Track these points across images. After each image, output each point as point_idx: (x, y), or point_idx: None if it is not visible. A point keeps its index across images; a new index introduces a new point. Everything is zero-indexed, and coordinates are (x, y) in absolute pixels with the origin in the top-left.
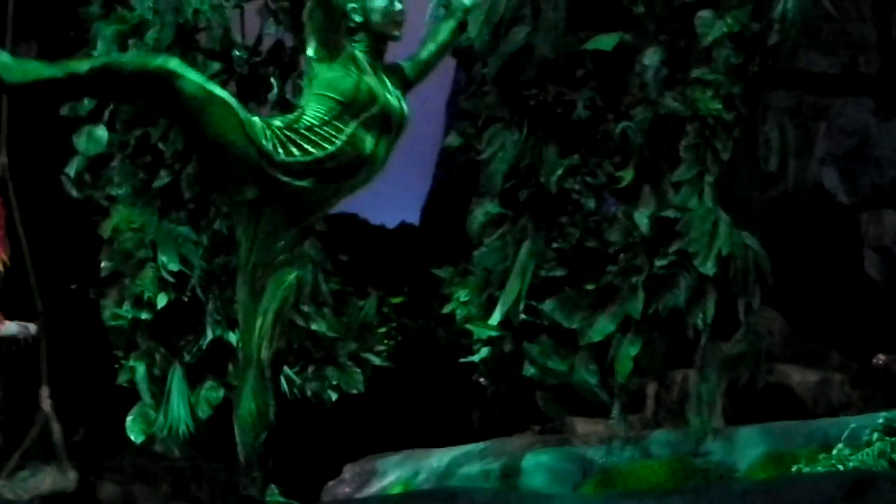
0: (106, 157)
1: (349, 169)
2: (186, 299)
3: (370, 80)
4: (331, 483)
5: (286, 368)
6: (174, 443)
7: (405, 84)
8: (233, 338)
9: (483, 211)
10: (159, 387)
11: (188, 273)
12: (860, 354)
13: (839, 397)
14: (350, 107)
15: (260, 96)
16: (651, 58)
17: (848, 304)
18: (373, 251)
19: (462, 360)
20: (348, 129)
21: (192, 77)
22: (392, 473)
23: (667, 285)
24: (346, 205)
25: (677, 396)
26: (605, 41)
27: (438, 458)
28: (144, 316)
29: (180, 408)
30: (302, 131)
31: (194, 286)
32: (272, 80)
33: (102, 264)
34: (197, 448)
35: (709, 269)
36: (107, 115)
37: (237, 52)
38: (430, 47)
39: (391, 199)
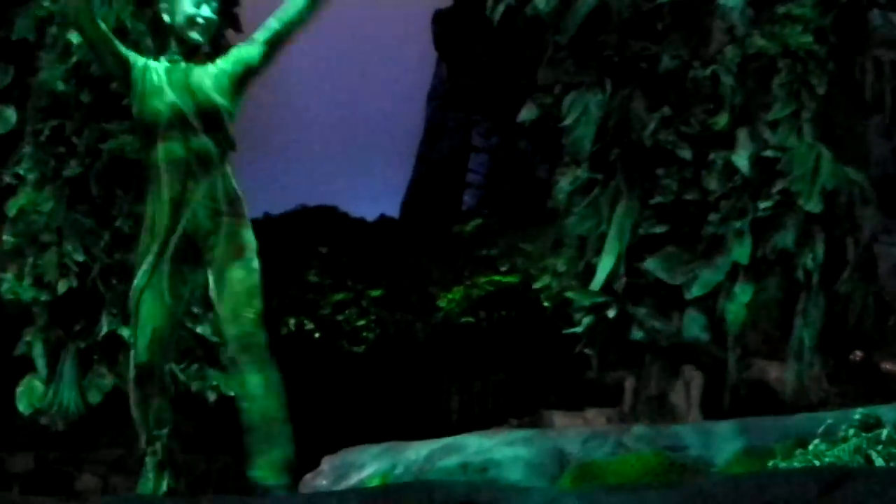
0: (15, 135)
1: None
2: (86, 289)
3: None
4: (308, 475)
5: (173, 365)
6: (61, 419)
7: (248, 70)
8: (125, 332)
9: (569, 180)
10: (52, 365)
11: (90, 264)
12: (837, 351)
13: (816, 393)
14: None
15: None
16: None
17: None
18: (352, 244)
19: (565, 331)
20: None
21: None
22: (370, 466)
23: (773, 227)
24: (325, 197)
25: (655, 391)
26: None
27: (416, 451)
28: (44, 297)
29: (71, 389)
30: None
31: (95, 278)
32: None
33: (4, 237)
34: (85, 429)
35: (814, 206)
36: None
37: None
38: (274, 25)
39: (371, 193)
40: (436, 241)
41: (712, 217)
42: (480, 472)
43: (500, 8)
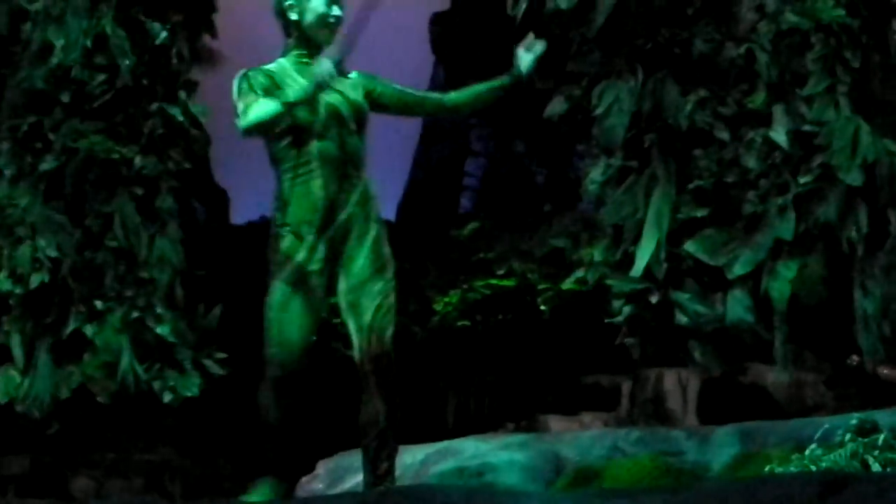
0: None
1: None
2: (57, 284)
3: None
4: (304, 479)
5: (135, 363)
6: (37, 409)
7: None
8: (90, 330)
9: (600, 170)
10: (29, 355)
11: (62, 259)
12: (834, 355)
13: (813, 398)
14: None
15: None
16: None
17: None
18: None
19: (607, 320)
20: None
21: None
22: None
23: (815, 201)
24: None
25: (651, 394)
26: None
27: (412, 455)
28: (18, 290)
29: (45, 381)
30: None
31: (66, 275)
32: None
33: None
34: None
35: (855, 179)
36: None
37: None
38: (414, 94)
39: None
40: (432, 244)
41: (751, 195)
42: (477, 476)
43: (522, 6)
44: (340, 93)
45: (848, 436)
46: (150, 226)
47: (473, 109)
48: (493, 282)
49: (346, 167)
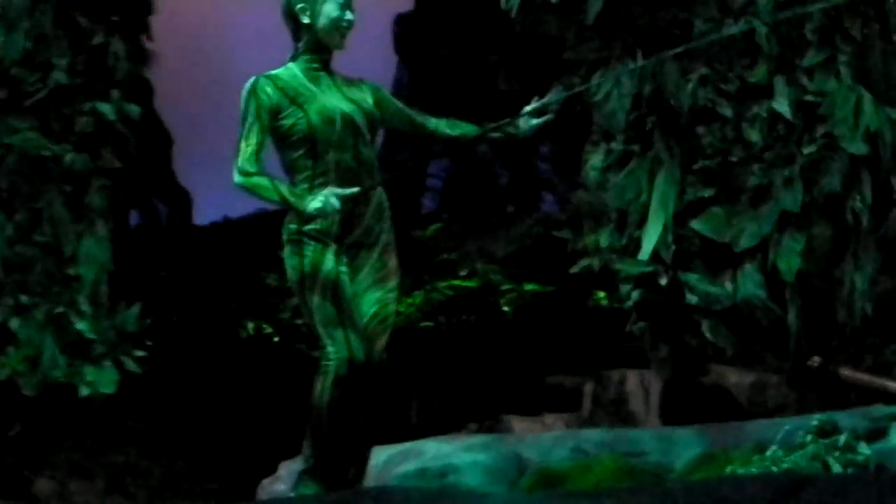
0: None
1: None
2: None
3: None
4: (266, 480)
5: (58, 357)
6: None
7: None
8: (14, 324)
9: (600, 157)
10: None
11: None
12: (795, 356)
13: (775, 399)
14: None
15: None
16: None
17: None
18: None
19: (617, 305)
20: None
21: None
22: None
23: (819, 171)
24: None
25: (614, 395)
26: None
27: (375, 456)
28: None
29: None
30: None
31: None
32: None
33: None
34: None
35: (859, 148)
36: None
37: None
38: (421, 120)
39: None
40: (396, 245)
41: (756, 168)
42: (439, 477)
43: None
44: (355, 102)
45: (809, 437)
46: (79, 223)
47: (455, 143)
48: (457, 283)
49: (361, 177)
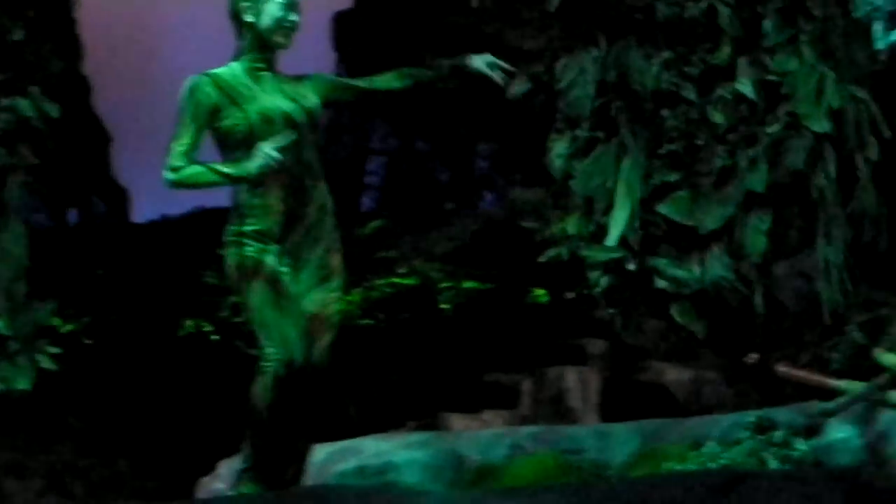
0: None
1: None
2: None
3: None
4: (206, 478)
5: None
6: None
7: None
8: None
9: (565, 144)
10: None
11: None
12: (732, 352)
13: (713, 396)
14: None
15: None
16: None
17: None
18: None
19: (584, 291)
20: None
21: None
22: None
23: (783, 150)
24: (223, 199)
25: (553, 392)
26: None
27: (314, 455)
28: None
29: None
30: None
31: None
32: None
33: None
34: None
35: (822, 126)
36: None
37: None
38: (366, 84)
39: None
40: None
41: (720, 150)
42: (378, 475)
43: None
44: (297, 101)
45: (746, 433)
46: None
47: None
48: (396, 280)
49: (303, 178)
